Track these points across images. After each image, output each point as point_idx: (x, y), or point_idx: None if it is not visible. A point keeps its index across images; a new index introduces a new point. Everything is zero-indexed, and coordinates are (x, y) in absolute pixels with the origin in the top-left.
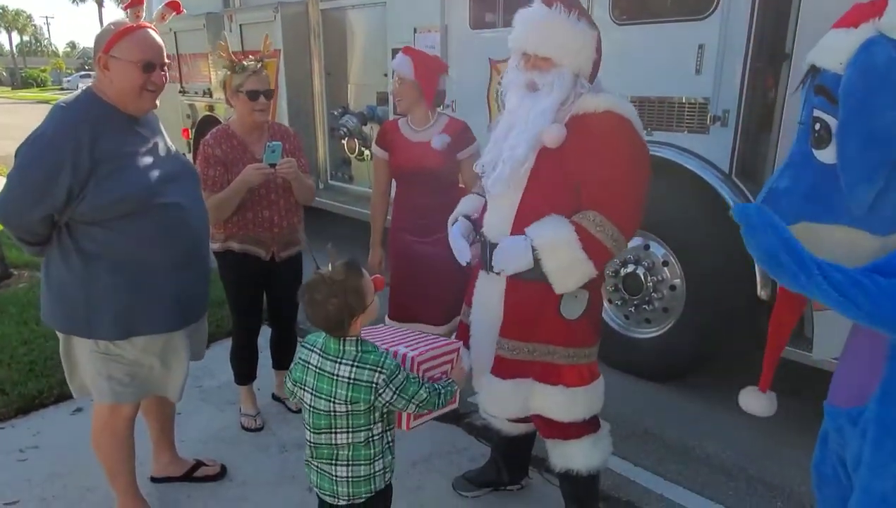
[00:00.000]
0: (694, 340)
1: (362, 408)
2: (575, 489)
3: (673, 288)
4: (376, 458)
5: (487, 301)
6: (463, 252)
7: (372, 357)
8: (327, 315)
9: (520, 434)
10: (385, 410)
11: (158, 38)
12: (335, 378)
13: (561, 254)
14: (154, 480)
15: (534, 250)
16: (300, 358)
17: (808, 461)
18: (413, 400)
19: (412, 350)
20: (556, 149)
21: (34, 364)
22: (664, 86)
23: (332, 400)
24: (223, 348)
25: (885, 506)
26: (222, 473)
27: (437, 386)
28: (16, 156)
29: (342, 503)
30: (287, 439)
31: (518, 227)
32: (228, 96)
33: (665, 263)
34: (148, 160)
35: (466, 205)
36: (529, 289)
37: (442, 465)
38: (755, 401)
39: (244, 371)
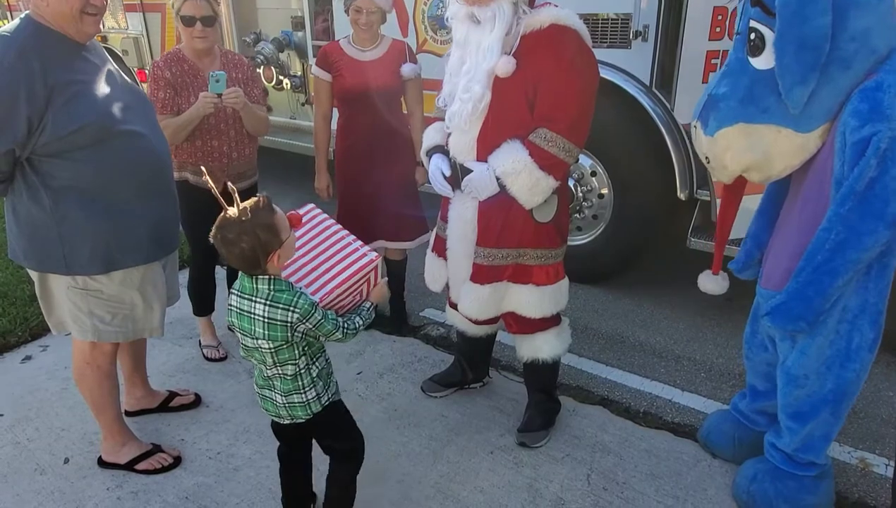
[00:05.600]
0: (622, 243)
1: (283, 345)
2: (539, 377)
3: (601, 196)
4: (307, 388)
5: (462, 215)
6: (444, 188)
7: (285, 296)
8: (242, 253)
9: (483, 336)
10: (305, 344)
11: None
12: (253, 316)
13: (522, 177)
14: (129, 414)
15: (498, 179)
16: (228, 303)
17: (723, 339)
18: (330, 338)
19: (324, 281)
20: (510, 75)
21: None
22: (589, 4)
23: (254, 337)
24: None
25: (819, 359)
26: (197, 401)
27: (352, 322)
28: None
29: (286, 422)
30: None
31: (482, 151)
32: (174, 19)
33: (593, 173)
34: (103, 88)
35: (435, 135)
36: (501, 202)
37: (407, 373)
38: (711, 282)
39: (203, 302)
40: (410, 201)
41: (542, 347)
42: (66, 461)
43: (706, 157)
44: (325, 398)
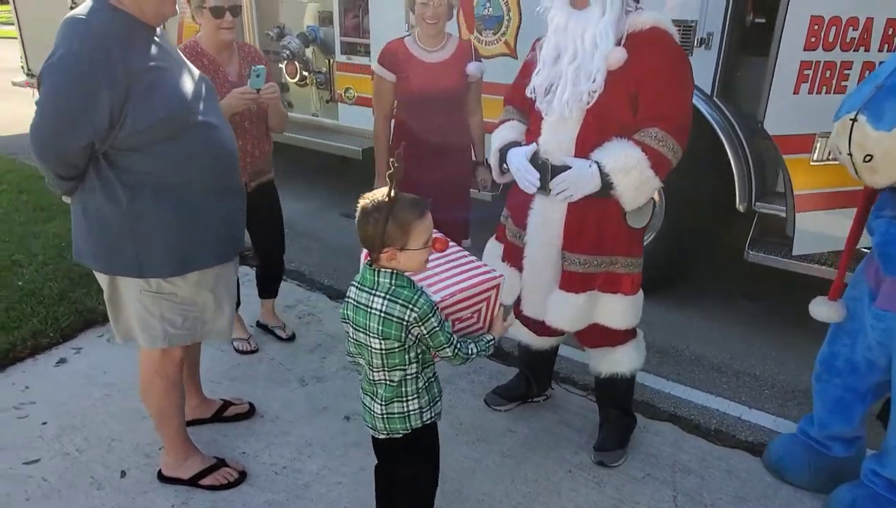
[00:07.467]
0: (672, 254)
1: (395, 346)
2: (616, 392)
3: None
4: (410, 397)
5: (547, 221)
6: (534, 180)
7: (405, 292)
8: (366, 230)
9: (547, 349)
10: (419, 350)
11: None
12: (369, 310)
13: (633, 175)
14: None
15: (606, 175)
16: (346, 295)
17: (778, 354)
18: (439, 351)
19: (446, 284)
20: (615, 70)
21: None
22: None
23: (368, 333)
24: None
25: None
26: (252, 411)
27: (465, 345)
28: (40, 81)
29: (381, 437)
30: (302, 372)
31: (581, 149)
32: (192, 12)
33: None
34: (178, 76)
35: (511, 132)
36: (592, 205)
37: (466, 384)
38: (827, 309)
39: None
40: (462, 206)
41: (621, 360)
42: (123, 474)
43: (868, 155)
44: (428, 415)
